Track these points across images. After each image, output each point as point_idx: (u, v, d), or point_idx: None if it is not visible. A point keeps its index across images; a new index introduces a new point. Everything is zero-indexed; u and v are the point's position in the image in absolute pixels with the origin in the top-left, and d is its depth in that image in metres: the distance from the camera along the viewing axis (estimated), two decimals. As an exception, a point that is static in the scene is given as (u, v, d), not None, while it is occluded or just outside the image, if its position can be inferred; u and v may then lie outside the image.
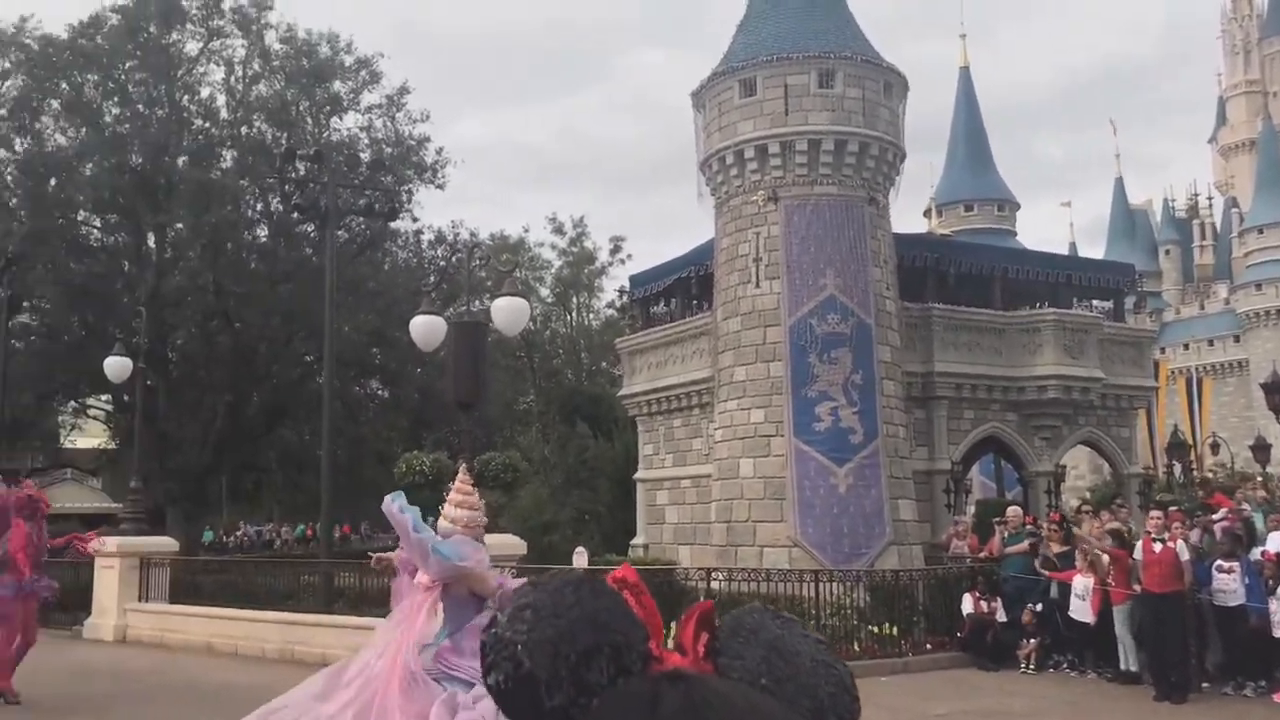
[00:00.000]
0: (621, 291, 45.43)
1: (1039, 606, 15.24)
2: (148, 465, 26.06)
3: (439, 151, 37.79)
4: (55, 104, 34.41)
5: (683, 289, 28.03)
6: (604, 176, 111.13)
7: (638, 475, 28.41)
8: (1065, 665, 14.98)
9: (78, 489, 42.32)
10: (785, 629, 1.53)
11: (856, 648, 15.22)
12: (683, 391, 26.30)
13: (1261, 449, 30.17)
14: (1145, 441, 31.76)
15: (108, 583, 18.75)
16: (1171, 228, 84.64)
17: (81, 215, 34.87)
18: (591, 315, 54.33)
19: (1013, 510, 18.29)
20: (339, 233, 26.41)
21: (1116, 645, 14.02)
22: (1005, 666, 15.07)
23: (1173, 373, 45.01)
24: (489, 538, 7.08)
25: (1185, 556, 13.51)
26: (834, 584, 16.44)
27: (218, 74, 35.77)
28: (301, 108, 35.72)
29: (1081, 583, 14.62)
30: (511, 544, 15.47)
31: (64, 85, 33.95)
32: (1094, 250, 74.30)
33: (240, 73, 35.82)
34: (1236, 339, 68.15)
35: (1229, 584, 13.26)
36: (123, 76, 34.08)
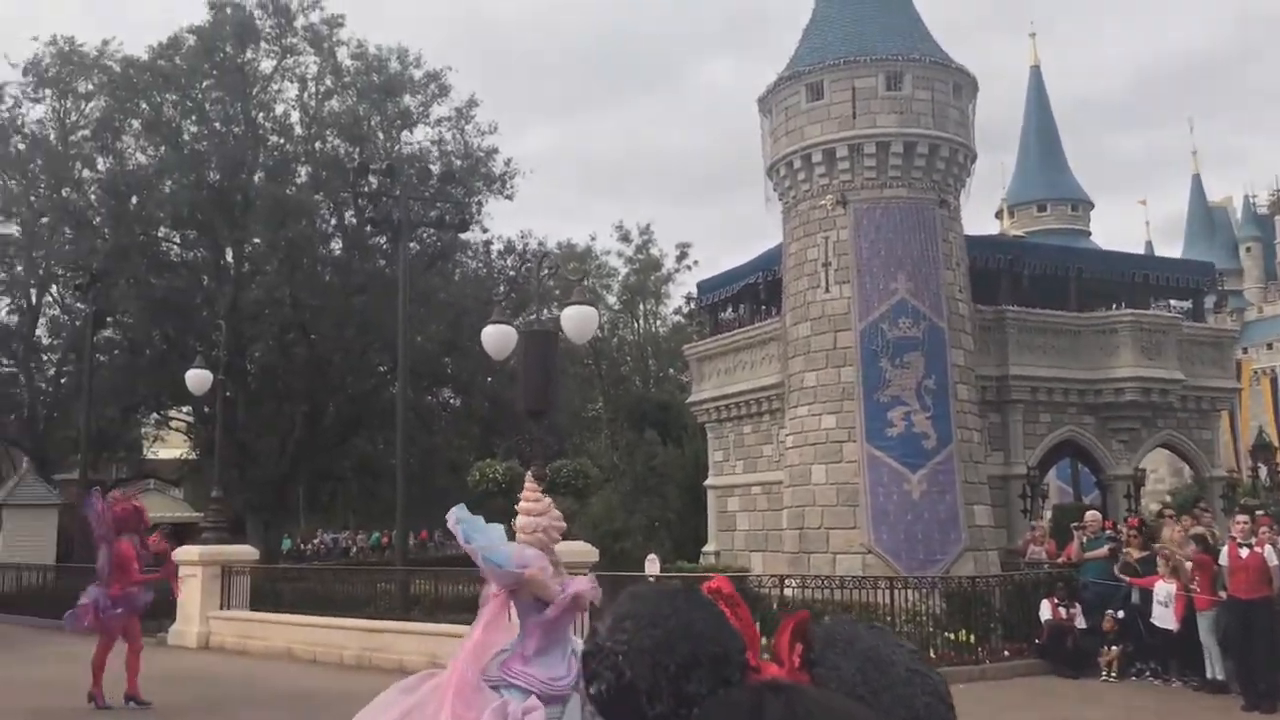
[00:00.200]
0: (689, 298, 45.51)
1: (1120, 613, 14.96)
2: (228, 475, 26.61)
3: (507, 162, 38.20)
4: (136, 124, 35.35)
5: (751, 295, 27.94)
6: (669, 184, 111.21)
7: (708, 482, 28.36)
8: (1148, 673, 14.68)
9: (160, 499, 43.29)
10: (879, 639, 1.54)
11: (933, 655, 15.03)
12: (752, 397, 26.20)
13: (1351, 450, 29.31)
14: (1228, 444, 31.02)
15: (191, 591, 19.15)
16: (1252, 224, 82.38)
17: (162, 231, 35.75)
18: (658, 322, 54.42)
19: (1091, 515, 17.95)
20: (411, 245, 26.80)
21: (1202, 653, 13.71)
22: (1086, 674, 14.80)
23: (1256, 373, 43.90)
24: (560, 545, 7.09)
25: (1274, 562, 13.16)
26: (909, 591, 16.29)
27: (291, 91, 36.51)
28: (373, 122, 36.28)
29: (1164, 589, 14.32)
30: (583, 551, 15.53)
31: (144, 105, 34.85)
32: (1171, 249, 72.62)
33: (313, 89, 36.51)
34: (1323, 338, 66.19)
35: (1319, 589, 12.91)
36: (200, 95, 34.90)
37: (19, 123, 36.61)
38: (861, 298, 21.22)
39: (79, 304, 33.11)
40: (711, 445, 28.54)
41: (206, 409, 31.57)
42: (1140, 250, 49.08)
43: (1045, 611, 15.52)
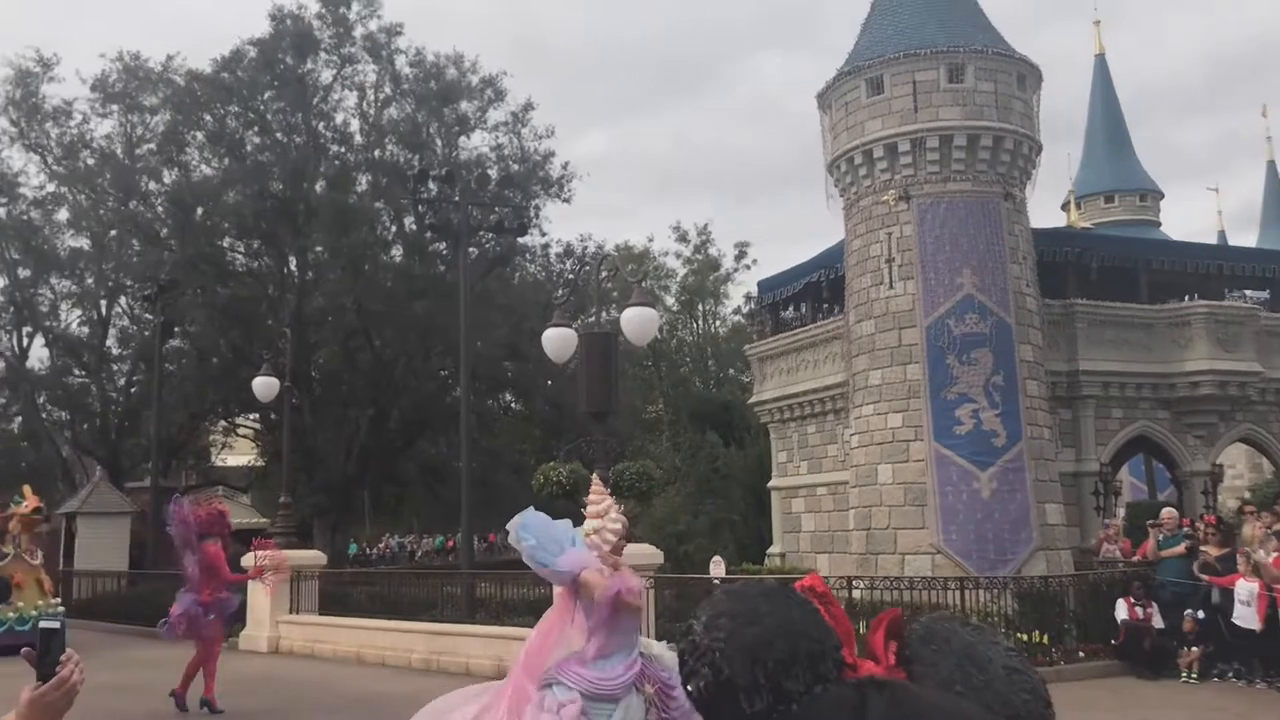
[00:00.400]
0: (749, 297, 45.35)
1: (1200, 613, 14.55)
2: (295, 480, 26.96)
3: (564, 166, 38.39)
4: (200, 136, 36.05)
5: (813, 293, 27.75)
6: (727, 183, 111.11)
7: (772, 483, 28.20)
8: (1231, 674, 14.26)
9: (230, 505, 44.11)
10: (976, 637, 1.52)
11: (1006, 656, 14.75)
12: (816, 397, 26.01)
13: None
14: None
15: (261, 595, 19.39)
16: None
17: (227, 242, 36.40)
18: (718, 322, 54.38)
19: (1168, 512, 17.51)
20: (470, 250, 26.94)
21: (1288, 653, 13.30)
22: (1165, 675, 14.41)
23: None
24: (629, 547, 7.06)
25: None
26: (980, 591, 16.00)
27: (350, 99, 36.99)
28: (431, 129, 36.62)
29: (1245, 588, 13.91)
30: (648, 553, 15.48)
31: (208, 118, 35.53)
32: (1246, 239, 70.82)
33: (372, 97, 36.96)
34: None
35: None
36: (262, 107, 35.48)
37: (87, 138, 37.51)
38: (926, 294, 20.94)
39: (148, 314, 33.79)
40: (775, 446, 28.37)
41: (273, 415, 32.08)
42: (1213, 240, 47.99)
43: (1121, 611, 15.15)
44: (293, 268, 35.89)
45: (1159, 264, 25.77)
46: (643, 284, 22.11)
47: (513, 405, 41.50)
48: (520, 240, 35.43)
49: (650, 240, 54.92)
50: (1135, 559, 16.90)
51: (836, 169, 22.94)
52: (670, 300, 52.14)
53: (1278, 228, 73.80)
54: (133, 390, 37.53)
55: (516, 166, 36.83)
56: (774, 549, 27.19)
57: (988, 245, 21.05)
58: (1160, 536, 16.15)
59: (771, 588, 1.44)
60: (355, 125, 37.06)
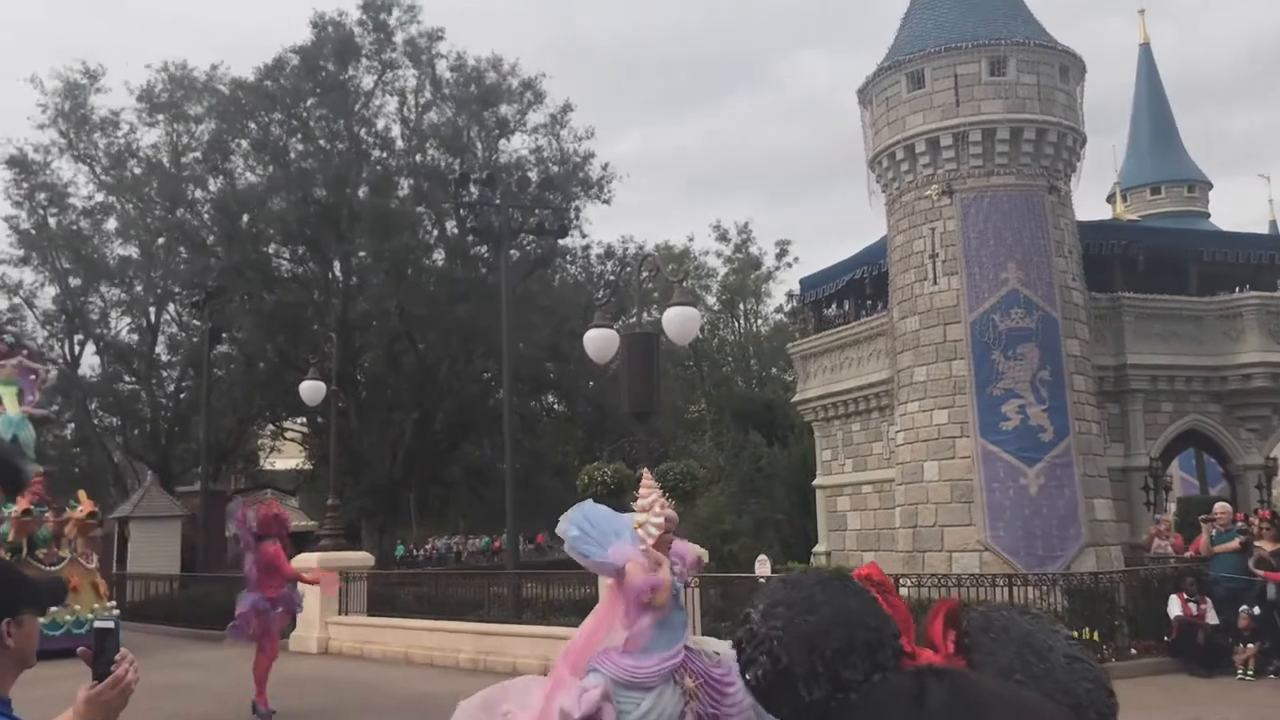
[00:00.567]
0: (790, 295, 45.19)
1: (1255, 609, 14.31)
2: (342, 483, 27.20)
3: (604, 167, 38.47)
4: (244, 144, 36.49)
5: (856, 290, 27.60)
6: (766, 181, 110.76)
7: (817, 481, 28.07)
8: (1288, 671, 14.02)
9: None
10: (1036, 625, 1.52)
11: (1057, 653, 14.59)
12: (860, 394, 25.86)
13: None
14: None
15: (311, 596, 19.58)
16: (1383, 199, 78.74)
17: (272, 248, 36.82)
18: (759, 321, 54.22)
19: (1221, 506, 17.23)
20: (512, 252, 27.09)
21: (1348, 649, 13.04)
22: (1219, 672, 14.19)
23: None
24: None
25: None
26: (1029, 588, 15.83)
27: (391, 105, 37.28)
28: (472, 133, 36.82)
29: (1303, 583, 13.67)
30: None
31: (252, 126, 35.95)
32: (1297, 228, 69.63)
33: (412, 102, 37.22)
34: None
35: None
36: (305, 114, 35.85)
37: (134, 148, 38.10)
38: (971, 289, 20.77)
39: (195, 321, 34.29)
40: (819, 444, 28.25)
41: (320, 419, 32.41)
42: (1264, 229, 47.18)
43: (1174, 608, 14.93)
44: (337, 273, 36.24)
45: (1208, 255, 25.37)
46: (684, 283, 22.11)
47: (555, 406, 41.63)
48: (561, 242, 35.52)
49: (690, 240, 54.73)
50: (1188, 555, 16.64)
51: (878, 165, 22.81)
52: (711, 300, 52.06)
53: (1330, 216, 72.51)
54: (182, 396, 38.06)
55: (556, 168, 36.95)
56: (819, 548, 27.06)
57: (1032, 239, 20.84)
58: (1213, 532, 15.89)
59: (829, 576, 1.44)
60: (396, 130, 37.39)
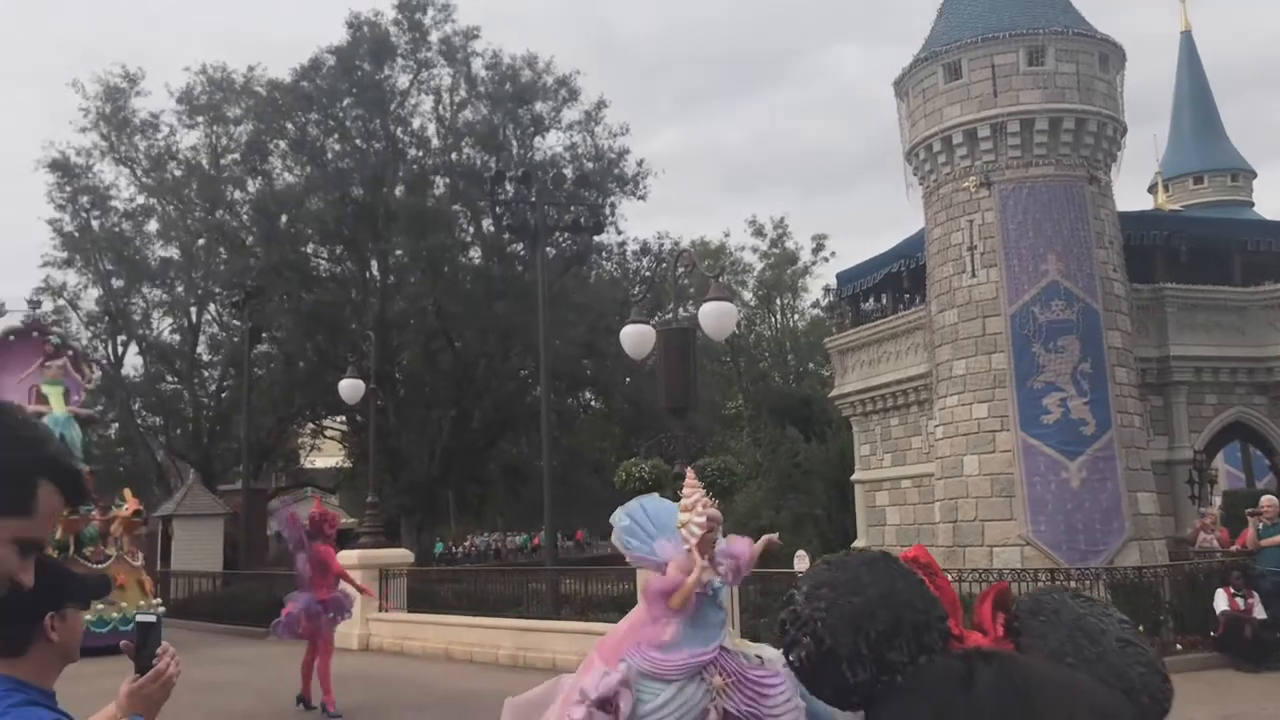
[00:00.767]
0: (827, 290, 44.96)
1: (1305, 603, 14.09)
2: (381, 480, 27.38)
3: (639, 163, 38.47)
4: (282, 145, 36.81)
5: (893, 283, 27.42)
6: (802, 176, 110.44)
7: (855, 476, 27.93)
8: (1339, 666, 13.79)
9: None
10: (1088, 609, 1.50)
11: (1100, 648, 14.41)
12: (899, 389, 25.70)
13: None
14: None
15: (351, 594, 19.71)
16: None
17: (310, 248, 37.13)
18: (796, 316, 54.02)
19: (1268, 499, 16.95)
20: (547, 249, 27.17)
21: (1399, 644, 12.80)
22: (1267, 667, 13.98)
23: None
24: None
25: None
26: (1071, 583, 15.66)
27: (427, 104, 37.48)
28: (507, 131, 36.93)
29: (1353, 576, 13.43)
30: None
31: (289, 126, 36.25)
32: (1343, 217, 68.45)
33: (448, 101, 37.37)
34: None
35: None
36: (341, 114, 36.11)
37: (174, 150, 38.54)
38: (1010, 281, 20.57)
39: (236, 321, 34.63)
40: (857, 439, 28.10)
41: (359, 417, 32.62)
42: (1308, 220, 46.42)
43: (1221, 602, 14.73)
44: (374, 272, 36.49)
45: (1253, 245, 24.97)
46: (720, 279, 22.02)
47: (592, 403, 41.71)
48: (596, 239, 35.61)
49: (726, 235, 54.70)
50: (1234, 548, 16.41)
51: (915, 157, 22.65)
52: (748, 295, 51.93)
53: (1378, 205, 71.02)
54: (223, 395, 38.48)
55: (591, 165, 37.00)
56: (858, 543, 26.91)
57: (1072, 230, 20.61)
58: (1260, 525, 15.66)
59: (875, 558, 1.42)
60: (432, 129, 37.59)
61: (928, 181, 22.50)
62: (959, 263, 21.41)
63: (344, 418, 37.23)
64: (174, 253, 38.65)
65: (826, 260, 51.14)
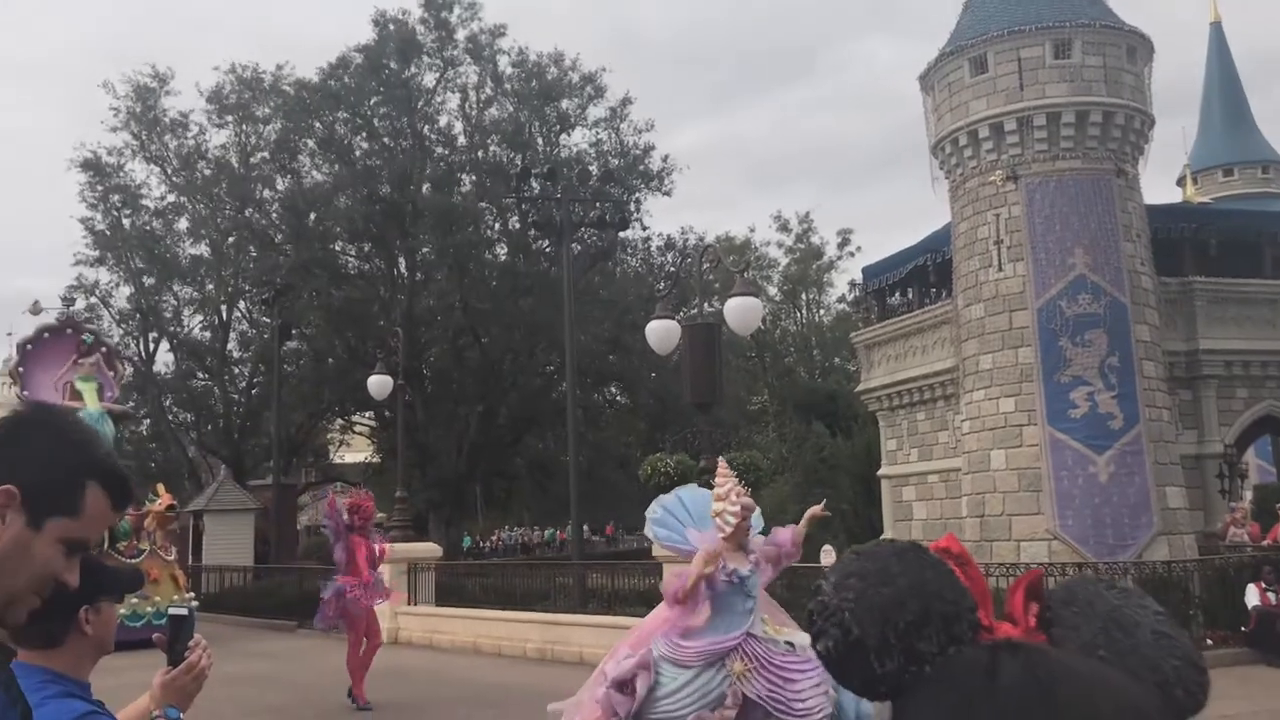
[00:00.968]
0: (853, 285, 44.82)
1: (1337, 598, 13.98)
2: (409, 475, 27.51)
3: (664, 159, 38.40)
4: (310, 143, 36.99)
5: (919, 277, 27.32)
6: (827, 170, 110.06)
7: (881, 471, 27.87)
8: (1371, 661, 13.68)
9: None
10: (1123, 599, 1.46)
11: (1129, 643, 14.34)
12: (925, 383, 25.62)
13: None
14: None
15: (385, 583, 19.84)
16: None
17: (338, 245, 37.32)
18: (822, 311, 53.83)
19: (1299, 494, 16.88)
20: (573, 246, 27.22)
21: None
22: (1300, 663, 13.89)
23: None
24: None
25: None
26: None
27: (453, 101, 37.57)
28: (533, 128, 36.98)
29: (1386, 571, 13.32)
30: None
31: (317, 125, 36.43)
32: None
33: (474, 98, 37.45)
34: None
35: None
36: (368, 112, 36.26)
37: (203, 149, 38.82)
38: (1037, 275, 20.48)
39: (265, 318, 34.85)
40: (884, 434, 28.04)
41: (387, 413, 32.77)
42: (1341, 211, 45.82)
43: (1252, 597, 14.64)
44: (402, 269, 36.64)
45: (1283, 237, 24.74)
46: (745, 274, 22.00)
47: (618, 398, 41.72)
48: (622, 234, 35.60)
49: (751, 230, 54.37)
50: (1265, 543, 16.32)
51: (941, 151, 22.56)
52: (773, 290, 51.77)
53: None
54: (253, 392, 38.75)
55: (616, 161, 36.99)
56: (885, 538, 26.86)
57: (1099, 224, 20.49)
58: (1291, 519, 15.58)
59: (904, 547, 1.43)
60: (458, 127, 37.69)
61: (954, 175, 22.42)
62: (985, 256, 21.33)
63: (372, 413, 37.40)
64: (204, 250, 38.93)
65: (852, 255, 50.95)
